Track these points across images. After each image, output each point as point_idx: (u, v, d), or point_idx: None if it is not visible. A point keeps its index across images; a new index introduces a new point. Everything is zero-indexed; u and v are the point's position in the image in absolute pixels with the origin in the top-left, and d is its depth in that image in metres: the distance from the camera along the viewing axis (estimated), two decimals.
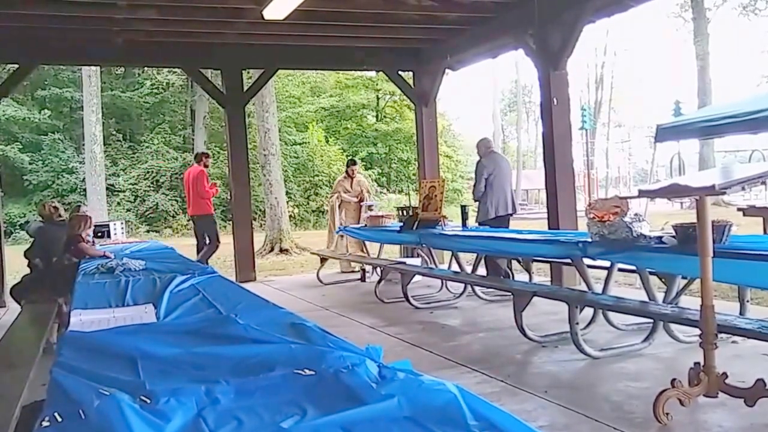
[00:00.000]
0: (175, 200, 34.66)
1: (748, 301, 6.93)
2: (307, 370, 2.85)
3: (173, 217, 34.02)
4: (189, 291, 5.31)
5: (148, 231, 32.24)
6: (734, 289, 7.68)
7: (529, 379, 6.01)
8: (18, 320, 6.49)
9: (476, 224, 11.02)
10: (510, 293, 7.64)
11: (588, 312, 7.18)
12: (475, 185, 11.09)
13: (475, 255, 10.17)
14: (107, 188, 32.45)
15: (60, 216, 9.81)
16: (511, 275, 10.60)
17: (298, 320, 3.86)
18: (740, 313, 6.54)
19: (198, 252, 13.59)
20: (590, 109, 48.78)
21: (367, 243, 13.37)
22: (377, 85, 40.96)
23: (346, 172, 14.57)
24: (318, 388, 2.69)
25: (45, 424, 2.29)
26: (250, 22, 11.37)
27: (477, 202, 11.18)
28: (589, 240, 6.81)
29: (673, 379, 4.66)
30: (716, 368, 4.61)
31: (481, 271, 10.32)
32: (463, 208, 10.86)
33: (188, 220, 22.46)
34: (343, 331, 5.45)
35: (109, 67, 33.17)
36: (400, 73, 15.18)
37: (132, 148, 37.38)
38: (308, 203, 35.44)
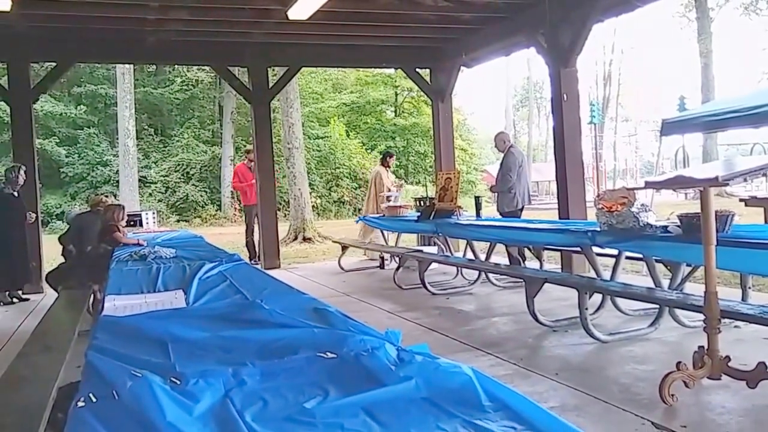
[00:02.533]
0: (204, 191, 34.76)
1: (749, 288, 6.89)
2: (329, 353, 2.85)
3: (202, 207, 34.10)
4: (217, 278, 5.32)
5: (178, 221, 32.30)
6: (737, 276, 7.64)
7: (540, 362, 5.99)
8: (55, 305, 6.52)
9: (498, 214, 11.04)
10: (522, 280, 7.61)
11: (597, 298, 7.16)
12: (503, 176, 11.06)
13: (488, 244, 10.16)
14: (139, 180, 32.59)
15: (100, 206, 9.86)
16: (522, 261, 10.61)
17: (320, 305, 3.86)
18: (742, 299, 6.51)
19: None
20: (599, 104, 48.56)
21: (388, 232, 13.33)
22: (396, 81, 40.86)
23: (387, 163, 14.45)
24: (340, 370, 2.69)
25: (80, 404, 2.30)
26: (276, 23, 11.37)
27: (496, 194, 11.16)
28: (598, 229, 6.80)
29: (678, 362, 4.64)
30: (719, 352, 4.59)
31: (496, 259, 10.31)
32: (477, 198, 10.86)
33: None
34: (364, 316, 5.45)
35: (142, 65, 33.21)
36: (417, 70, 15.15)
37: (163, 142, 37.47)
38: (330, 194, 35.43)
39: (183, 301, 4.45)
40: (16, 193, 10.89)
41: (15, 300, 10.84)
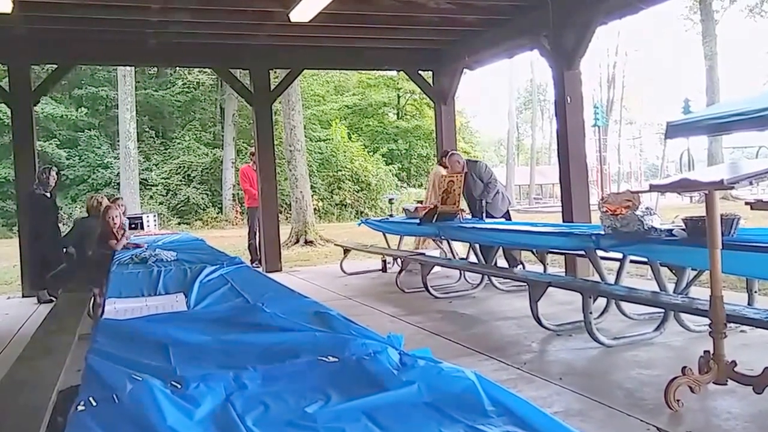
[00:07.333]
0: (206, 194, 34.78)
1: (756, 292, 6.88)
2: (330, 357, 2.84)
3: (203, 210, 34.10)
4: (218, 281, 5.31)
5: (179, 223, 32.28)
6: (742, 280, 7.61)
7: (544, 367, 5.98)
8: (55, 308, 6.51)
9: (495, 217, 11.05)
10: (526, 284, 7.59)
11: (601, 302, 7.16)
12: (488, 183, 11.04)
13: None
14: (140, 182, 32.61)
15: (101, 210, 9.85)
16: (516, 263, 10.65)
17: (322, 309, 3.86)
18: (748, 304, 6.48)
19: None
20: (602, 107, 48.50)
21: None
22: (398, 84, 41.01)
23: (444, 162, 14.24)
24: (341, 374, 2.69)
25: (80, 408, 2.30)
26: (277, 25, 11.38)
27: (481, 202, 11.13)
28: (602, 233, 6.79)
29: (684, 367, 4.62)
30: (725, 356, 4.58)
31: (498, 262, 10.31)
32: (480, 201, 10.84)
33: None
34: (366, 320, 5.44)
35: (143, 67, 33.32)
36: (420, 72, 15.15)
37: (164, 144, 37.52)
38: (332, 197, 35.40)
39: (184, 305, 4.45)
40: (48, 194, 11.00)
41: (53, 299, 10.77)
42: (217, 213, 34.40)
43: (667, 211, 10.75)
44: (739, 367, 4.55)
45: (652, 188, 6.02)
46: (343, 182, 35.71)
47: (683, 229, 5.97)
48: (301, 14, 10.11)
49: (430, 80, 15.19)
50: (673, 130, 11.48)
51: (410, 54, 14.50)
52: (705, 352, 4.66)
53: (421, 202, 12.82)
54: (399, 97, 43.53)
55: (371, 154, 38.52)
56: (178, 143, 37.02)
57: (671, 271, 7.25)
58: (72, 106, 36.29)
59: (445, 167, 13.44)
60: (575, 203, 10.66)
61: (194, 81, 37.68)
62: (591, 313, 6.42)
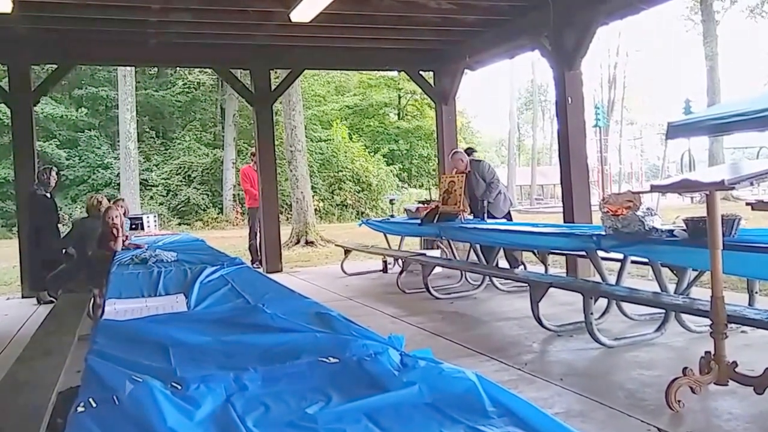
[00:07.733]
0: (206, 194, 34.73)
1: (756, 293, 6.88)
2: (331, 358, 2.83)
3: (204, 210, 34.05)
4: (218, 281, 5.30)
5: (179, 224, 32.22)
6: (743, 281, 7.61)
7: (545, 368, 5.98)
8: (55, 309, 6.51)
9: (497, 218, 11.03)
10: (527, 284, 7.59)
11: (602, 302, 7.15)
12: (490, 184, 11.01)
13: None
14: (141, 183, 32.56)
15: (101, 210, 9.83)
16: (517, 263, 10.65)
17: (322, 310, 3.85)
18: (749, 304, 6.48)
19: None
20: (603, 107, 48.47)
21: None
22: (399, 84, 40.98)
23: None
24: (342, 375, 2.68)
25: (80, 409, 2.29)
26: (278, 25, 11.38)
27: (486, 202, 11.07)
28: (603, 233, 6.79)
29: (685, 368, 4.62)
30: (726, 357, 4.58)
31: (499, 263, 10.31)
32: (482, 201, 10.83)
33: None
34: (366, 321, 5.44)
35: (143, 67, 33.31)
36: (421, 72, 15.15)
37: (165, 145, 37.50)
38: (333, 197, 35.37)
39: (184, 305, 4.44)
40: (48, 195, 11.00)
41: (53, 299, 10.73)
42: (218, 213, 34.36)
43: (668, 211, 10.76)
44: (740, 368, 4.55)
45: (653, 189, 6.02)
46: (344, 183, 35.69)
47: (684, 230, 5.97)
48: (301, 14, 10.12)
49: (430, 80, 15.19)
50: (674, 131, 11.46)
51: (411, 54, 14.50)
52: (706, 352, 4.66)
53: (423, 202, 12.80)
54: (400, 97, 43.53)
55: (372, 154, 38.50)
56: (179, 143, 37.01)
57: (672, 271, 7.24)
58: (72, 106, 36.29)
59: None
60: (576, 204, 10.66)
61: (195, 81, 37.67)
62: (592, 313, 6.42)
